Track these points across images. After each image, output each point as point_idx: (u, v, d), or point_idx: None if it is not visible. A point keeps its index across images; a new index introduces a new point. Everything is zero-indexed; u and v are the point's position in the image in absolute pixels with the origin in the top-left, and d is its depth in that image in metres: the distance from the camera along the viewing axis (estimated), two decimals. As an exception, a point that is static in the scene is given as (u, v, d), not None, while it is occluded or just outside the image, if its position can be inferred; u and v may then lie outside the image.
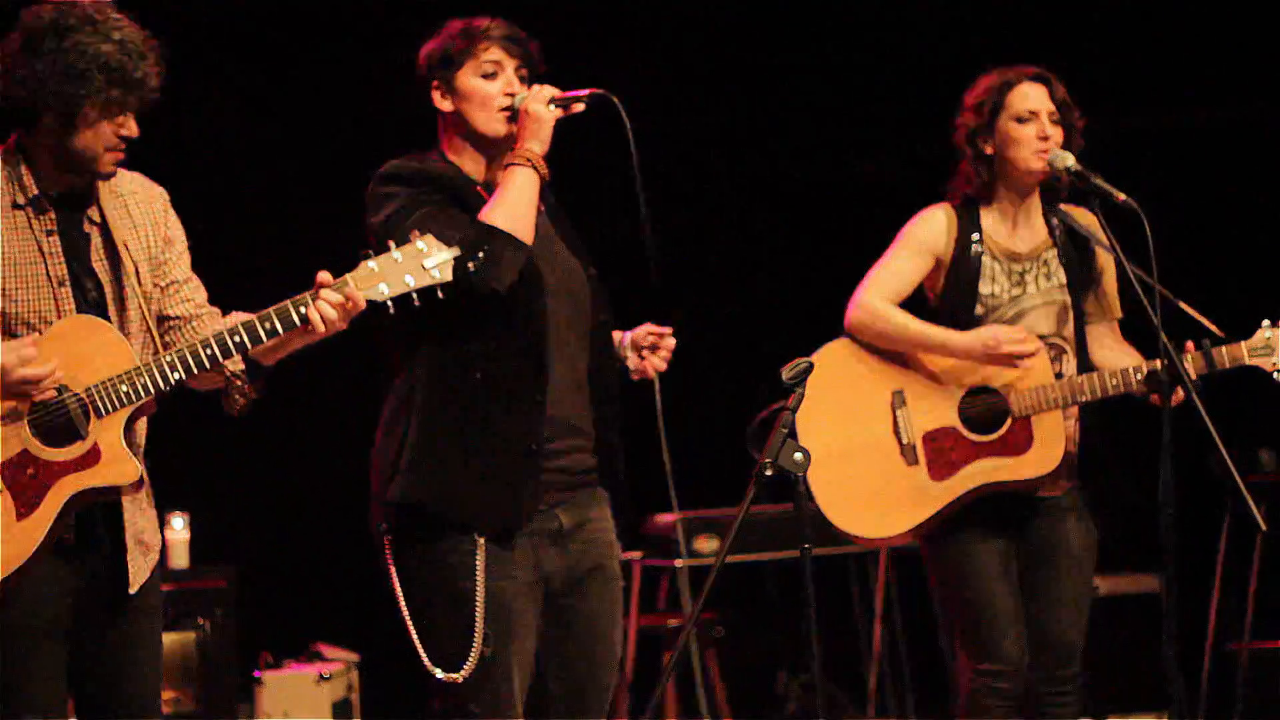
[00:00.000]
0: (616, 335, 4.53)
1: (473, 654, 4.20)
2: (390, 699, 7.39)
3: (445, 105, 4.41)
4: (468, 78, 4.38)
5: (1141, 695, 7.38)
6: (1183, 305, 5.01)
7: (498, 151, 4.39)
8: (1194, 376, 4.89)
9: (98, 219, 4.08)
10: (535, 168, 4.29)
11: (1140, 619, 7.31)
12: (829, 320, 5.21)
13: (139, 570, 4.07)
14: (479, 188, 4.37)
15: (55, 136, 3.98)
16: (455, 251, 4.04)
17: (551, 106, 4.32)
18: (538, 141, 4.31)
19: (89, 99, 3.93)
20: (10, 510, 3.88)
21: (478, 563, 4.22)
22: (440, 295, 4.04)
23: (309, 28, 7.69)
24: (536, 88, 4.36)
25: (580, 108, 4.35)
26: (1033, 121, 5.07)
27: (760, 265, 8.49)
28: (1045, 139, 5.05)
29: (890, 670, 7.67)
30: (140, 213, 4.13)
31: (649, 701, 4.23)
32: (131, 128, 4.00)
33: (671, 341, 4.51)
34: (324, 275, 4.00)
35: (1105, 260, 5.19)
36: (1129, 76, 7.63)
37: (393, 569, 4.29)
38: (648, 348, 4.51)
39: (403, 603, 4.27)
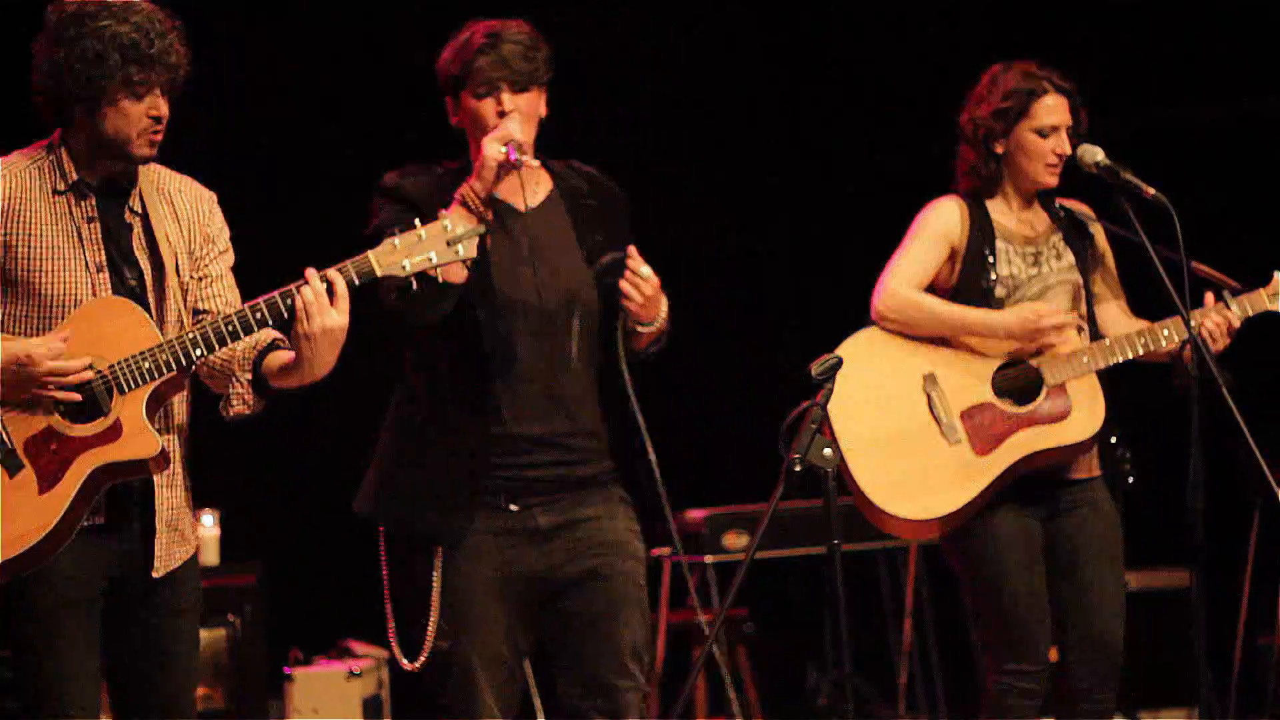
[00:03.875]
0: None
1: (426, 646, 4.32)
2: (421, 696, 7.40)
3: (455, 120, 4.37)
4: (467, 98, 4.32)
5: (1172, 689, 7.37)
6: (1198, 266, 5.04)
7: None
8: (1230, 326, 5.03)
9: (139, 209, 4.11)
10: (471, 209, 4.14)
11: (1170, 613, 7.29)
12: (857, 314, 5.20)
13: (166, 555, 4.09)
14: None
15: (88, 125, 4.03)
16: (482, 229, 4.03)
17: (502, 149, 4.14)
18: (479, 181, 4.15)
19: (108, 80, 3.97)
20: (33, 484, 3.92)
21: (435, 565, 4.30)
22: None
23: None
24: (504, 124, 4.19)
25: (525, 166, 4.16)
26: (1052, 136, 5.10)
27: (788, 260, 8.49)
28: (1060, 156, 5.09)
29: (920, 667, 7.66)
30: (185, 209, 4.17)
31: (679, 698, 4.23)
32: (160, 108, 4.03)
33: (645, 283, 4.30)
34: (309, 270, 3.99)
35: (1105, 243, 5.24)
36: (1129, 75, 7.61)
37: (383, 561, 4.43)
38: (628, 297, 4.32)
39: (387, 594, 4.41)
